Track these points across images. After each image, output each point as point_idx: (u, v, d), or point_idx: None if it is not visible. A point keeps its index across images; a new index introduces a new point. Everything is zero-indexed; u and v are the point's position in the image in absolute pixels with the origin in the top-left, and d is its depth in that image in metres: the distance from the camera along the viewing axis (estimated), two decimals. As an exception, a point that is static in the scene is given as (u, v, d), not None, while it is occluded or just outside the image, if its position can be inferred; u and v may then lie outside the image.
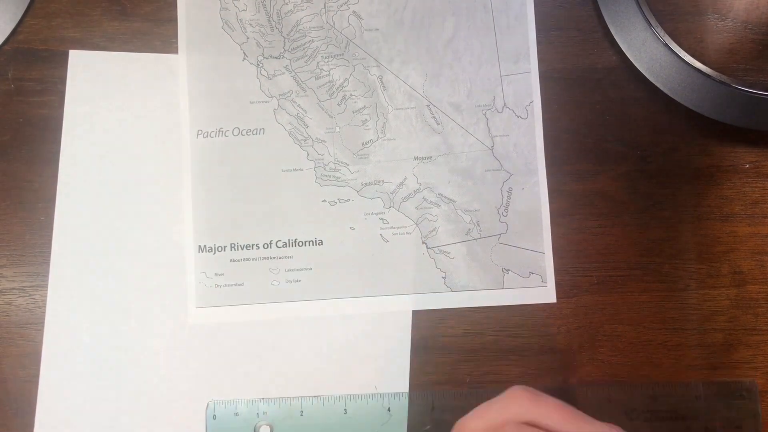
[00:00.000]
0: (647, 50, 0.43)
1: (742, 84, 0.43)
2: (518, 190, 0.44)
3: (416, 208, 0.44)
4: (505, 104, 0.44)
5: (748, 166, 0.45)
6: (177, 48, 0.45)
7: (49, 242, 0.44)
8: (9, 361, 0.44)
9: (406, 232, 0.44)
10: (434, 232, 0.44)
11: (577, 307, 0.44)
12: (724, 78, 0.43)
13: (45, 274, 0.44)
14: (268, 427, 0.42)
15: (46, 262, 0.44)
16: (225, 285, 0.43)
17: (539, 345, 0.44)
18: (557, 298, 0.44)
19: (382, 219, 0.44)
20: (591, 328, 0.44)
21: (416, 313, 0.44)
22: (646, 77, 0.43)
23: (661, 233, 0.45)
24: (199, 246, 0.43)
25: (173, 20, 0.45)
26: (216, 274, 0.43)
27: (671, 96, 0.43)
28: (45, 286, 0.44)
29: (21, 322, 0.44)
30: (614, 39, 0.43)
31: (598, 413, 0.34)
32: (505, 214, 0.44)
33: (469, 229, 0.44)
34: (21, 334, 0.44)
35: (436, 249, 0.44)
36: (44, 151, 0.44)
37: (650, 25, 0.43)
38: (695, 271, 0.45)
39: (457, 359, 0.44)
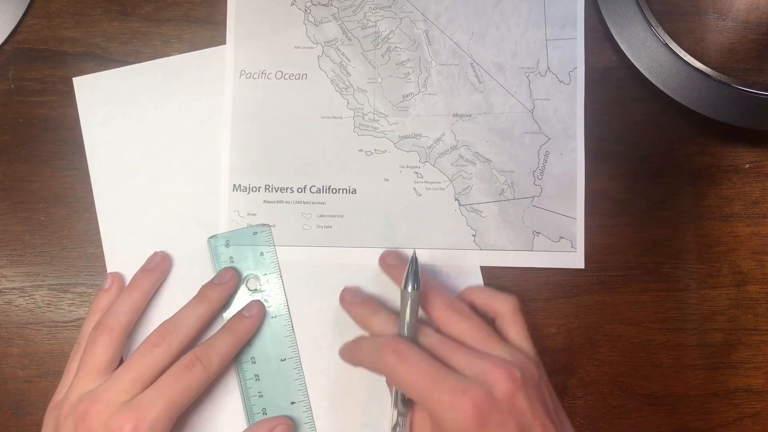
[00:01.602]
0: (647, 50, 0.43)
1: (742, 84, 0.43)
2: (555, 155, 0.44)
3: (452, 164, 0.44)
4: (548, 68, 0.44)
5: (748, 166, 0.45)
6: (179, 49, 0.45)
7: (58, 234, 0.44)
8: (9, 361, 0.44)
9: (440, 188, 0.44)
10: (468, 190, 0.44)
11: (577, 307, 0.44)
12: (724, 78, 0.43)
13: (45, 274, 0.44)
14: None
15: (46, 261, 0.44)
16: (256, 225, 0.44)
17: (539, 345, 0.44)
18: (585, 264, 0.44)
19: (417, 173, 0.44)
20: (591, 328, 0.44)
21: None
22: (646, 77, 0.43)
23: (661, 233, 0.45)
24: (234, 185, 0.44)
25: (173, 20, 0.45)
26: (249, 214, 0.44)
27: (671, 96, 0.43)
28: (45, 286, 0.44)
29: (21, 322, 0.44)
30: (614, 39, 0.43)
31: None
32: (540, 177, 0.44)
33: (503, 190, 0.44)
34: (21, 334, 0.44)
35: (468, 207, 0.44)
36: (44, 151, 0.44)
37: (650, 25, 0.43)
38: (695, 271, 0.45)
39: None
